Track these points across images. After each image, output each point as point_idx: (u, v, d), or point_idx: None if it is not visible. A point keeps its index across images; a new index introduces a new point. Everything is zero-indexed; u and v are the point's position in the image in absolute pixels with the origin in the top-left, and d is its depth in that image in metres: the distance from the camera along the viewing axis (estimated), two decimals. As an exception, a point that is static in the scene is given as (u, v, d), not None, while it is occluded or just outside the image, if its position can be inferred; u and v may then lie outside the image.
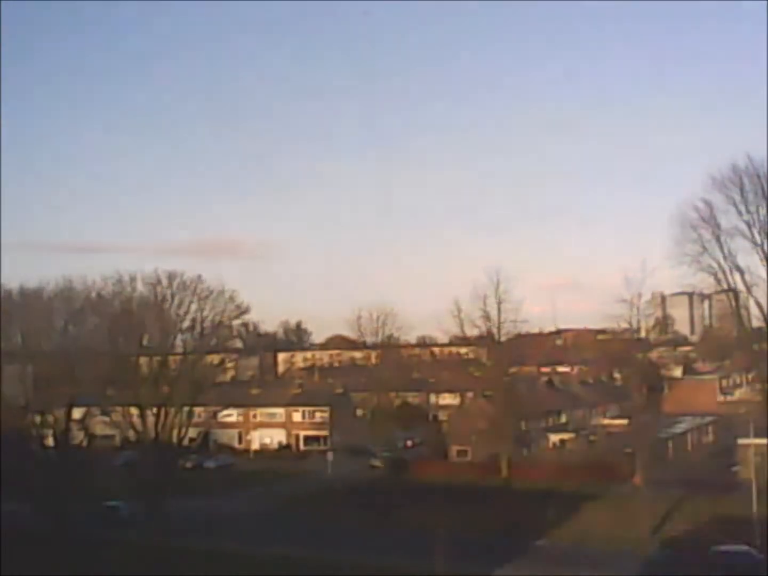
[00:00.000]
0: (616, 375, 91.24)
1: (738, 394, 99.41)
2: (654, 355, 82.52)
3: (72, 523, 58.58)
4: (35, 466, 62.57)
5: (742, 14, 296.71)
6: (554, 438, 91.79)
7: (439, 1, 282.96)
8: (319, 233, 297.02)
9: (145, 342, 66.08)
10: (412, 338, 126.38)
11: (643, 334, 67.97)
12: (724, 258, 58.52)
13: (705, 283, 60.89)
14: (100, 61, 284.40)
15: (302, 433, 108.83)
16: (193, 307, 64.86)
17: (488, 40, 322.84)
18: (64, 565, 50.74)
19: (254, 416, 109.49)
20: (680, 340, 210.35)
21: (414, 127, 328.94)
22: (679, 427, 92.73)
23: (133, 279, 65.16)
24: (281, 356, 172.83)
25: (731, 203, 58.04)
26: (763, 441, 62.18)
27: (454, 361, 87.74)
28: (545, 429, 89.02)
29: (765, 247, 57.13)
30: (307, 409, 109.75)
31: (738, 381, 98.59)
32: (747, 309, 62.55)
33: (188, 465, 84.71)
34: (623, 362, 72.99)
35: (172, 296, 64.54)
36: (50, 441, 68.21)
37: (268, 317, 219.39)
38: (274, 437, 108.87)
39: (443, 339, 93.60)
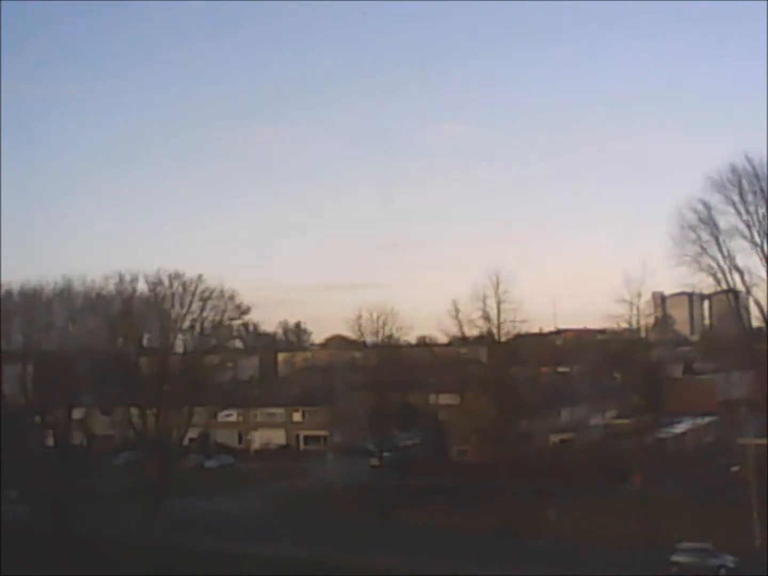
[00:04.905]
0: (616, 375, 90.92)
1: (738, 394, 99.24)
2: (654, 355, 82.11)
3: (72, 523, 58.61)
4: (35, 466, 62.59)
5: (742, 14, 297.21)
6: (554, 438, 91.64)
7: (441, 0, 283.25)
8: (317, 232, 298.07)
9: (145, 342, 66.05)
10: (412, 338, 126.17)
11: (643, 334, 67.87)
12: (724, 258, 58.51)
13: (705, 283, 60.88)
14: (101, 57, 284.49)
15: (302, 433, 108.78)
16: (194, 307, 64.86)
17: (489, 39, 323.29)
18: (64, 565, 50.79)
19: (254, 416, 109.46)
20: (680, 340, 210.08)
21: (414, 126, 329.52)
22: (679, 427, 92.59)
23: (134, 279, 65.18)
24: (281, 356, 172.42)
25: (730, 204, 58.02)
26: (763, 441, 62.16)
27: (454, 361, 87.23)
28: (545, 429, 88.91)
29: (764, 248, 57.12)
30: (307, 409, 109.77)
31: (738, 381, 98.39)
32: (747, 309, 62.53)
33: (188, 465, 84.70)
34: (623, 362, 72.81)
35: (173, 296, 64.51)
36: (50, 441, 68.21)
37: (267, 317, 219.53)
38: (274, 437, 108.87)
39: (443, 339, 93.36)
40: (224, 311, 65.97)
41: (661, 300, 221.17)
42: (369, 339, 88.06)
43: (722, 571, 49.71)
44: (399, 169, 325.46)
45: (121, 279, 65.30)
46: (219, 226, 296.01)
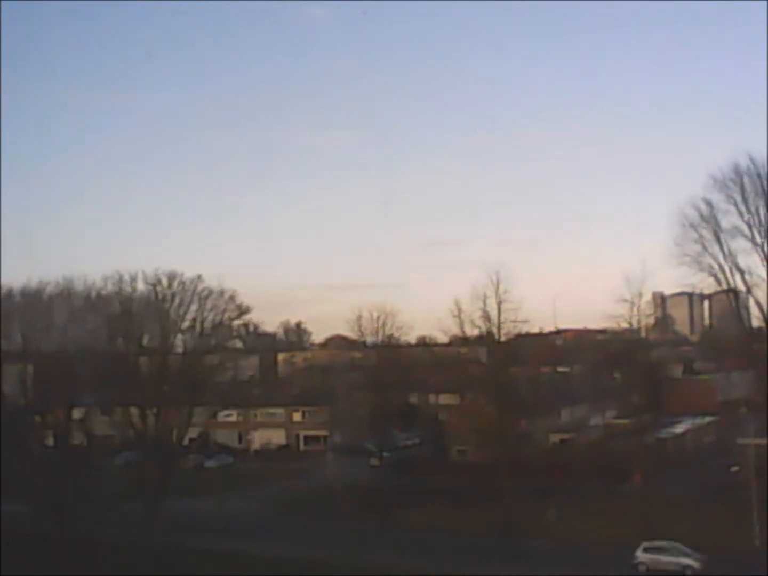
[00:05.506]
0: (616, 375, 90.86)
1: (738, 394, 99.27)
2: (654, 355, 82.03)
3: (72, 523, 58.57)
4: (35, 466, 62.54)
5: (743, 14, 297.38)
6: (554, 438, 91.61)
7: (443, 0, 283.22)
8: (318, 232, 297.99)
9: (145, 342, 65.99)
10: (412, 338, 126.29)
11: (643, 334, 67.82)
12: (725, 258, 58.40)
13: (705, 283, 60.77)
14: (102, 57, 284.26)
15: (302, 433, 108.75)
16: (194, 307, 64.84)
17: (491, 41, 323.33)
18: (64, 565, 50.77)
19: (254, 416, 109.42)
20: (680, 340, 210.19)
21: (416, 127, 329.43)
22: (679, 427, 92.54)
23: (133, 279, 65.12)
24: (281, 356, 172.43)
25: (732, 203, 57.87)
26: (763, 441, 62.13)
27: (454, 361, 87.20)
28: (545, 429, 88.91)
29: (765, 248, 56.99)
30: (307, 409, 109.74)
31: (738, 381, 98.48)
32: (747, 309, 62.47)
33: (188, 465, 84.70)
34: (623, 362, 72.72)
35: (172, 296, 64.46)
36: (50, 441, 68.13)
37: (268, 317, 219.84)
38: (274, 437, 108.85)
39: (443, 339, 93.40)
40: (224, 311, 66.00)
41: (661, 300, 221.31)
42: (369, 339, 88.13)
43: (688, 571, 49.61)
44: (401, 171, 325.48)
45: (121, 279, 65.27)
46: (220, 226, 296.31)
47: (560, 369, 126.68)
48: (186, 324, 65.57)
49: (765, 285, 58.30)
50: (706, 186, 58.71)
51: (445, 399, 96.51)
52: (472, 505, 65.24)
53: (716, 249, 58.32)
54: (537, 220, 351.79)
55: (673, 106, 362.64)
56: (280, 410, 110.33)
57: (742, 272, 58.56)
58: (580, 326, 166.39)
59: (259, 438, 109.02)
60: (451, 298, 69.42)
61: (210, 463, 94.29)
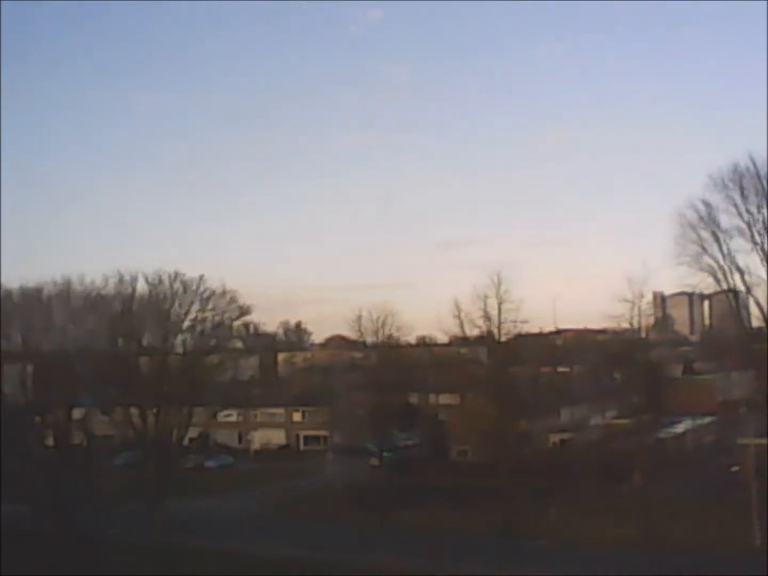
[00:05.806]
0: (616, 375, 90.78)
1: (738, 394, 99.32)
2: (654, 355, 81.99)
3: (72, 523, 58.58)
4: (35, 466, 62.56)
5: (743, 14, 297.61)
6: (554, 438, 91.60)
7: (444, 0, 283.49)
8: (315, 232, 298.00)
9: (145, 342, 65.98)
10: (412, 338, 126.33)
11: (643, 334, 67.77)
12: (724, 258, 58.36)
13: (705, 283, 60.67)
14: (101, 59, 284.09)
15: (302, 433, 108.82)
16: (194, 307, 64.82)
17: (491, 39, 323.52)
18: (64, 565, 50.77)
19: (254, 416, 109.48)
20: (680, 340, 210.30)
21: (416, 127, 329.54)
22: (679, 427, 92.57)
23: (133, 279, 65.11)
24: (281, 356, 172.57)
25: (731, 203, 57.80)
26: (763, 441, 62.12)
27: (454, 361, 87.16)
28: (545, 429, 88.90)
29: (765, 247, 56.92)
30: (307, 409, 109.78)
31: (738, 381, 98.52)
32: (747, 309, 62.42)
33: (188, 465, 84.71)
34: (623, 362, 72.62)
35: (173, 296, 64.45)
36: (50, 441, 68.16)
37: (268, 317, 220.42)
38: (274, 437, 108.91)
39: (443, 339, 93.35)
40: (225, 311, 65.97)
41: (661, 300, 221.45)
42: (369, 339, 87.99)
43: None
44: (401, 171, 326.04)
45: (121, 279, 65.23)
46: (220, 226, 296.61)
47: (560, 369, 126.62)
48: (186, 324, 65.60)
49: (765, 285, 58.26)
50: (706, 186, 58.71)
51: (445, 399, 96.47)
52: (472, 505, 65.24)
53: (716, 249, 58.32)
54: (537, 220, 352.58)
55: (673, 106, 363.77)
56: (280, 410, 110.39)
57: (741, 272, 58.52)
58: (580, 326, 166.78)
59: (259, 438, 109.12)
60: (452, 298, 69.41)
61: (210, 463, 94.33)
